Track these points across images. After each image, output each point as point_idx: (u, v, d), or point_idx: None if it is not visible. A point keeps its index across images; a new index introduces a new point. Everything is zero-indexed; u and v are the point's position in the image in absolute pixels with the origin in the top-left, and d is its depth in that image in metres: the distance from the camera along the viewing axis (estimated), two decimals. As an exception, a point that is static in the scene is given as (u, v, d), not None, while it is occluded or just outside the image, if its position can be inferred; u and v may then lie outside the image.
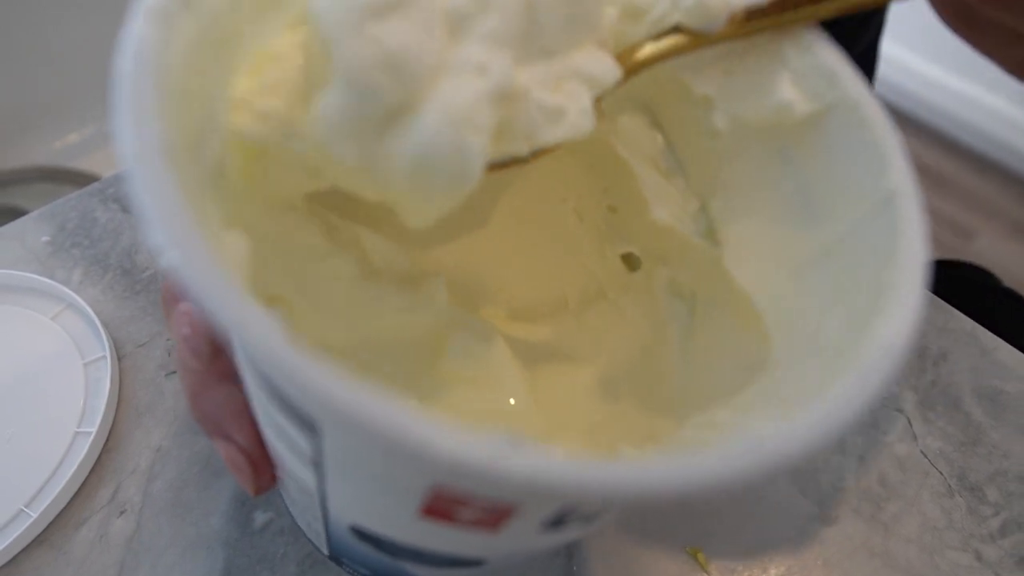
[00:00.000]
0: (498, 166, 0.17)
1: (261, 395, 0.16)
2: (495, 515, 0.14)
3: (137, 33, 0.14)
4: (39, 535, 0.27)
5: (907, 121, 1.67)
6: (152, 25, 0.14)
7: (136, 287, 0.35)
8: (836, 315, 0.15)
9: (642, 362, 0.24)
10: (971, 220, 1.52)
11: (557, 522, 0.15)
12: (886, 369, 0.13)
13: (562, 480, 0.10)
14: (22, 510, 0.27)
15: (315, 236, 0.22)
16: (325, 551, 0.25)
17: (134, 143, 0.12)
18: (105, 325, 0.33)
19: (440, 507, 0.14)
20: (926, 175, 1.59)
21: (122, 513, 0.28)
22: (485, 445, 0.10)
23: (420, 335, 0.24)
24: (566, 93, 0.17)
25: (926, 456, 0.30)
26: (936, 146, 1.64)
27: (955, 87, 1.61)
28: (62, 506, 0.28)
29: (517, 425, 0.22)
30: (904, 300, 0.14)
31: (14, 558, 0.27)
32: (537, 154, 0.17)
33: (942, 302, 0.36)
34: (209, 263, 0.11)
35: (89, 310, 0.33)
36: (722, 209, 0.21)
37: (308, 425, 0.14)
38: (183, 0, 0.15)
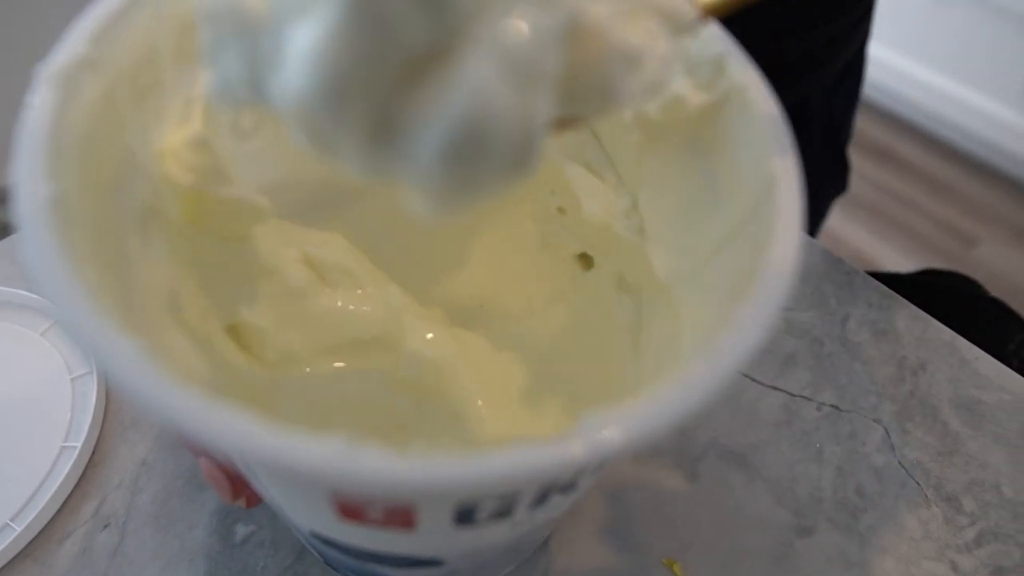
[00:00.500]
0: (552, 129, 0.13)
1: None
2: (400, 514, 0.14)
3: (36, 99, 0.15)
4: (23, 549, 0.28)
5: (907, 127, 1.67)
6: (51, 89, 0.15)
7: (124, 302, 0.36)
8: (734, 302, 0.15)
9: (599, 360, 0.24)
10: (973, 227, 1.52)
11: (466, 518, 0.15)
12: (736, 356, 0.13)
13: (391, 476, 0.11)
14: (7, 524, 0.28)
15: (266, 258, 0.23)
16: (320, 558, 0.26)
17: (23, 204, 0.13)
18: (93, 340, 0.33)
19: (349, 509, 0.14)
20: (927, 182, 1.59)
21: (106, 527, 0.28)
22: (324, 451, 0.11)
23: (380, 340, 0.24)
24: (643, 32, 0.13)
25: (903, 467, 0.30)
26: (936, 153, 1.64)
27: (955, 93, 1.62)
28: (47, 520, 0.28)
29: (476, 429, 0.22)
30: (766, 293, 0.14)
31: (-1, 572, 0.27)
32: (601, 114, 0.13)
33: (921, 312, 0.36)
34: (82, 308, 0.12)
35: (77, 326, 0.34)
36: (647, 203, 0.21)
37: None
38: (88, 62, 0.16)
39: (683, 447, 0.31)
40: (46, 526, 0.28)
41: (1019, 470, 0.30)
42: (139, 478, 0.30)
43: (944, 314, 0.36)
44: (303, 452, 0.11)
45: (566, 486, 0.16)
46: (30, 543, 0.28)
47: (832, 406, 0.32)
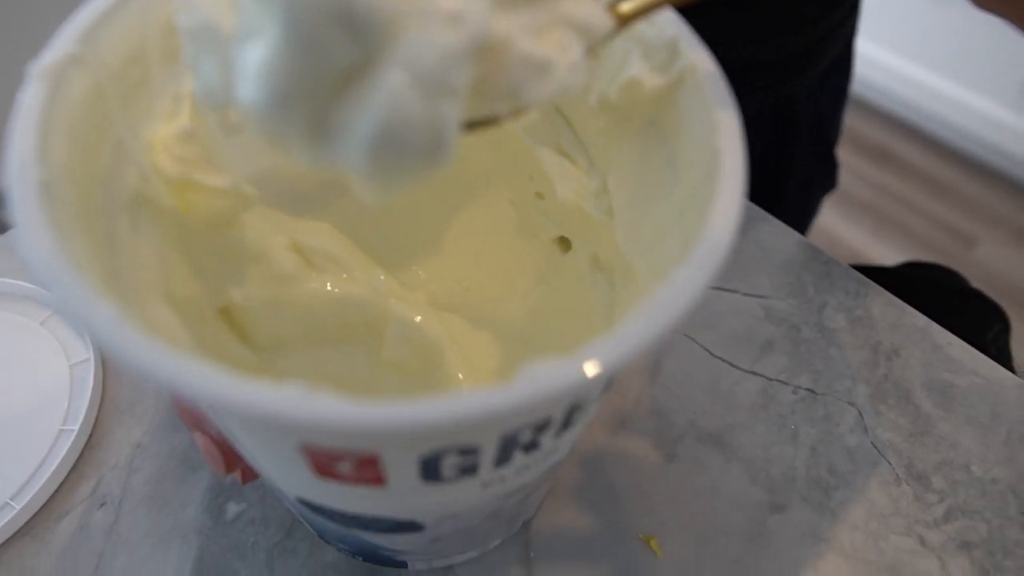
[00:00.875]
0: (472, 126, 0.15)
1: None
2: (367, 466, 0.15)
3: (28, 90, 0.16)
4: (23, 526, 0.29)
5: (905, 128, 1.68)
6: (41, 82, 0.16)
7: (122, 293, 0.37)
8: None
9: (577, 340, 0.25)
10: (972, 227, 1.52)
11: (432, 473, 0.16)
12: (669, 315, 0.14)
13: (345, 419, 0.12)
14: (7, 503, 0.29)
15: (255, 244, 0.24)
16: (312, 530, 0.27)
17: (13, 186, 0.15)
18: (91, 329, 0.34)
19: (321, 463, 0.15)
20: (925, 182, 1.59)
21: (102, 505, 0.29)
22: (284, 397, 0.12)
23: (366, 322, 0.25)
24: (554, 44, 0.15)
25: (875, 447, 0.31)
26: (935, 153, 1.65)
27: (953, 94, 1.62)
28: (45, 499, 0.29)
29: None
30: (701, 254, 0.14)
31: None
32: (516, 112, 0.16)
33: (896, 299, 0.37)
34: (64, 272, 0.13)
35: (76, 315, 0.35)
36: (614, 184, 0.22)
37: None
38: (76, 58, 0.17)
39: (662, 429, 0.32)
40: (45, 505, 0.29)
41: (989, 450, 0.31)
42: (134, 459, 0.31)
43: (926, 305, 0.37)
44: (265, 398, 0.12)
45: (527, 444, 0.17)
46: (29, 521, 0.29)
47: (808, 390, 0.33)
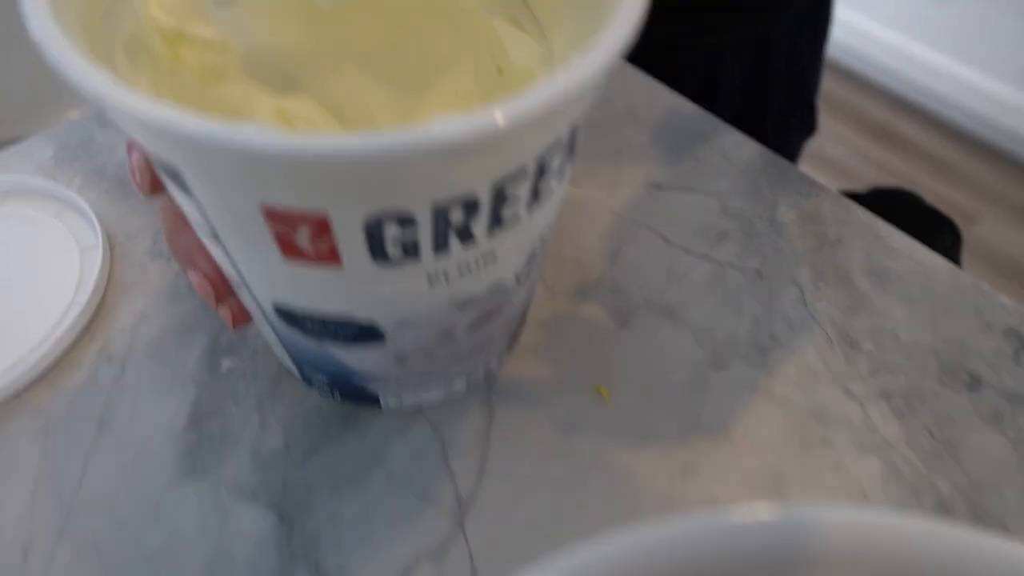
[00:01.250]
0: None
1: (170, 187, 0.21)
2: (322, 236, 0.18)
3: None
4: (38, 375, 0.32)
5: (908, 107, 1.69)
6: None
7: (128, 191, 0.40)
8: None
9: None
10: (973, 205, 1.54)
11: (378, 250, 0.19)
12: (569, 85, 0.16)
13: (288, 147, 0.15)
14: (25, 356, 0.32)
15: (241, 101, 0.27)
16: (294, 369, 0.30)
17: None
18: (100, 221, 0.38)
19: (283, 234, 0.18)
20: (927, 160, 1.61)
21: (110, 360, 0.33)
22: (240, 132, 0.15)
23: None
24: None
25: (813, 317, 0.34)
26: (937, 132, 1.66)
27: (956, 73, 1.64)
28: (59, 353, 0.33)
29: None
30: (605, 42, 0.17)
31: (18, 394, 0.31)
32: None
33: (846, 199, 0.39)
34: (61, 43, 0.16)
35: (87, 207, 0.38)
36: (559, 46, 0.25)
37: (178, 180, 0.19)
38: None
39: (618, 302, 0.35)
40: (58, 359, 0.33)
41: (917, 319, 0.34)
42: (138, 325, 0.34)
43: (885, 219, 0.40)
44: (223, 132, 0.15)
45: (460, 230, 0.20)
46: (44, 371, 0.32)
47: (756, 271, 0.36)
